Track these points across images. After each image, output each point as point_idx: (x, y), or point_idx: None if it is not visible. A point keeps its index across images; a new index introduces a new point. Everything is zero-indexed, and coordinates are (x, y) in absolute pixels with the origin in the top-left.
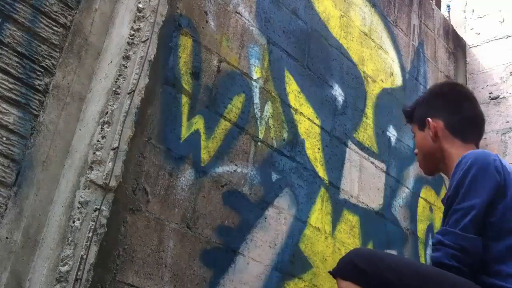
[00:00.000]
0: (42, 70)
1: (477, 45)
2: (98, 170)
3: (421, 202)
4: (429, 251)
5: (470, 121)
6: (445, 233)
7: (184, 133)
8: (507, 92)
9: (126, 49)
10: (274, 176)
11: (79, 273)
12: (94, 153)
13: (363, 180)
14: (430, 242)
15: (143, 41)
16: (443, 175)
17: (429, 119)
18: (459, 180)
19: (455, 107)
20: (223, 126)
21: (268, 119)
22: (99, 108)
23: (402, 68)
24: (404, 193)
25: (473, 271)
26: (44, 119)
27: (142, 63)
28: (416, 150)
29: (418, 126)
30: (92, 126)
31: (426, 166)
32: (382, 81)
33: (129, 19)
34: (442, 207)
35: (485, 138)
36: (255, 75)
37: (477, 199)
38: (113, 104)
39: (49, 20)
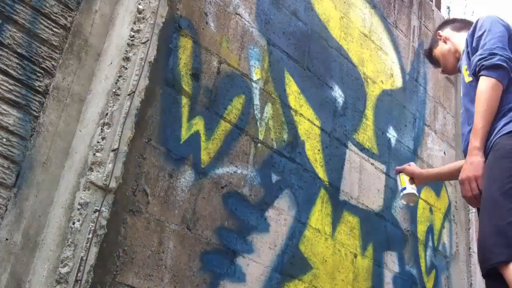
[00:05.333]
0: (42, 72)
1: None
2: (98, 171)
3: (421, 204)
4: (429, 252)
5: (469, 21)
6: (491, 49)
7: (184, 134)
8: None
9: (126, 51)
10: (274, 177)
11: (79, 275)
12: (94, 154)
13: (363, 181)
14: (430, 243)
15: (143, 43)
16: None
17: (439, 31)
18: (475, 30)
19: (453, 20)
20: (223, 127)
21: (268, 120)
22: (99, 110)
23: (402, 69)
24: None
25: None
26: (44, 121)
27: (142, 64)
28: (441, 67)
29: (436, 48)
30: (92, 127)
31: (450, 66)
32: (382, 82)
33: (129, 20)
34: (442, 208)
35: None
36: (255, 76)
37: (500, 32)
38: (113, 105)
39: (49, 22)
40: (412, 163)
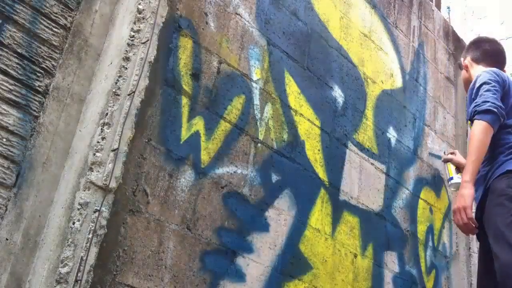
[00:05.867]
0: (42, 72)
1: None
2: (98, 171)
3: (421, 204)
4: (429, 252)
5: (490, 52)
6: (485, 98)
7: (184, 134)
8: None
9: (126, 51)
10: (274, 177)
11: (79, 275)
12: (94, 154)
13: (363, 181)
14: (430, 243)
15: (143, 43)
16: (442, 175)
17: (461, 58)
18: (475, 84)
19: (477, 46)
20: (223, 127)
21: (268, 120)
22: (99, 109)
23: (402, 69)
24: (404, 194)
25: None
26: (44, 120)
27: (142, 64)
28: None
29: (461, 72)
30: (92, 127)
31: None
32: (382, 82)
33: (129, 20)
34: (442, 208)
35: None
36: (255, 76)
37: (492, 85)
38: (113, 105)
39: (49, 22)
40: (456, 151)
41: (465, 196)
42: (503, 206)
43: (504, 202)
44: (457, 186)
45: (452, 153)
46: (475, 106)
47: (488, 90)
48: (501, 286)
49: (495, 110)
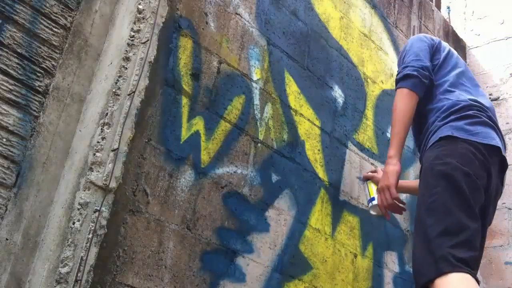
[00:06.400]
0: (42, 72)
1: (477, 47)
2: (98, 171)
3: None
4: None
5: None
6: (405, 64)
7: (184, 134)
8: (507, 93)
9: (126, 51)
10: (274, 177)
11: (79, 275)
12: (94, 154)
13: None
14: None
15: (143, 43)
16: None
17: None
18: (404, 48)
19: None
20: (223, 127)
21: (268, 120)
22: (99, 109)
23: None
24: (404, 194)
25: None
26: (44, 120)
27: (142, 64)
28: None
29: None
30: (92, 127)
31: None
32: (382, 82)
33: (129, 20)
34: None
35: None
36: (255, 76)
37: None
38: (113, 105)
39: (49, 22)
40: (378, 169)
41: (389, 173)
42: (426, 184)
43: (428, 179)
44: (380, 210)
45: (373, 171)
46: (396, 75)
47: (410, 55)
48: (415, 283)
49: (414, 73)
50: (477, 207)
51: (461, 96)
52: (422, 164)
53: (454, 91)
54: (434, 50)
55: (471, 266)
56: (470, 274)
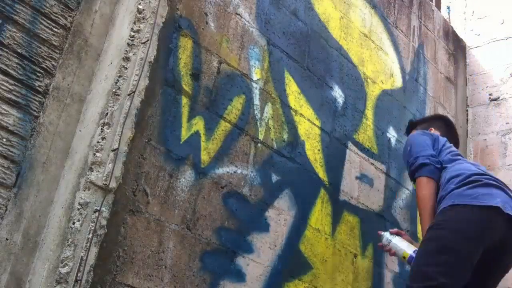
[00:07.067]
0: (42, 72)
1: (477, 47)
2: (98, 171)
3: None
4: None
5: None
6: (415, 157)
7: (184, 134)
8: (507, 93)
9: (126, 51)
10: (274, 177)
11: (79, 275)
12: (94, 154)
13: (363, 181)
14: None
15: (143, 43)
16: None
17: (432, 128)
18: (407, 143)
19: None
20: (223, 127)
21: (268, 120)
22: (99, 109)
23: (402, 70)
24: (404, 194)
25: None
26: (44, 120)
27: (142, 64)
28: None
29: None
30: (92, 127)
31: None
32: (382, 82)
33: (129, 20)
34: None
35: (485, 140)
36: (255, 76)
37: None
38: (113, 105)
39: (49, 22)
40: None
41: None
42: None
43: (422, 243)
44: None
45: (397, 232)
46: (410, 167)
47: (416, 148)
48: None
49: (427, 161)
50: (467, 263)
51: (461, 166)
52: None
53: (453, 164)
54: (433, 141)
55: None
56: None
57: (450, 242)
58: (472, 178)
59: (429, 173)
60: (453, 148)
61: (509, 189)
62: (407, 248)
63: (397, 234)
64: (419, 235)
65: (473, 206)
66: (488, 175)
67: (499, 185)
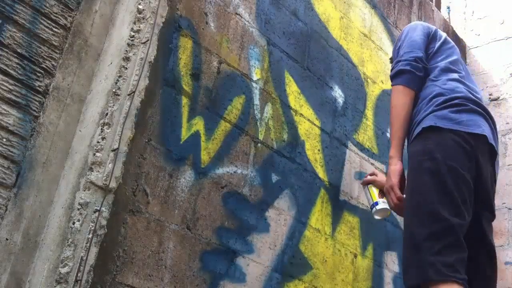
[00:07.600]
0: (42, 72)
1: (477, 47)
2: (98, 171)
3: None
4: None
5: None
6: (399, 58)
7: (184, 134)
8: (507, 93)
9: (126, 51)
10: (274, 178)
11: (79, 275)
12: (94, 154)
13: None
14: None
15: (143, 43)
16: None
17: None
18: (399, 37)
19: None
20: (223, 127)
21: (268, 120)
22: (99, 110)
23: None
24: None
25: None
26: (44, 121)
27: (142, 64)
28: None
29: None
30: (92, 127)
31: None
32: (382, 82)
33: (129, 20)
34: None
35: None
36: (255, 76)
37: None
38: (113, 105)
39: (49, 22)
40: (377, 172)
41: (391, 173)
42: (412, 182)
43: (415, 177)
44: (385, 213)
45: (372, 174)
46: (391, 71)
47: (404, 47)
48: (404, 282)
49: (407, 67)
50: (468, 200)
51: (448, 83)
52: (409, 157)
53: (442, 78)
54: (430, 38)
55: (459, 269)
56: (458, 282)
57: (446, 179)
58: (457, 101)
59: (407, 82)
60: (453, 51)
61: (493, 120)
62: (372, 198)
63: (370, 181)
64: None
65: (459, 132)
66: (475, 100)
67: (484, 113)
